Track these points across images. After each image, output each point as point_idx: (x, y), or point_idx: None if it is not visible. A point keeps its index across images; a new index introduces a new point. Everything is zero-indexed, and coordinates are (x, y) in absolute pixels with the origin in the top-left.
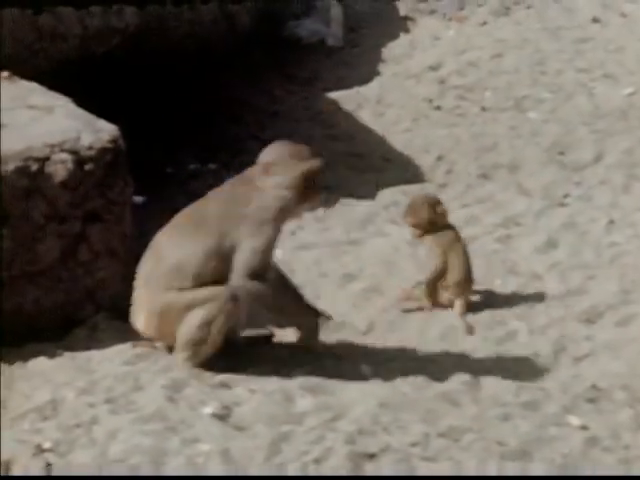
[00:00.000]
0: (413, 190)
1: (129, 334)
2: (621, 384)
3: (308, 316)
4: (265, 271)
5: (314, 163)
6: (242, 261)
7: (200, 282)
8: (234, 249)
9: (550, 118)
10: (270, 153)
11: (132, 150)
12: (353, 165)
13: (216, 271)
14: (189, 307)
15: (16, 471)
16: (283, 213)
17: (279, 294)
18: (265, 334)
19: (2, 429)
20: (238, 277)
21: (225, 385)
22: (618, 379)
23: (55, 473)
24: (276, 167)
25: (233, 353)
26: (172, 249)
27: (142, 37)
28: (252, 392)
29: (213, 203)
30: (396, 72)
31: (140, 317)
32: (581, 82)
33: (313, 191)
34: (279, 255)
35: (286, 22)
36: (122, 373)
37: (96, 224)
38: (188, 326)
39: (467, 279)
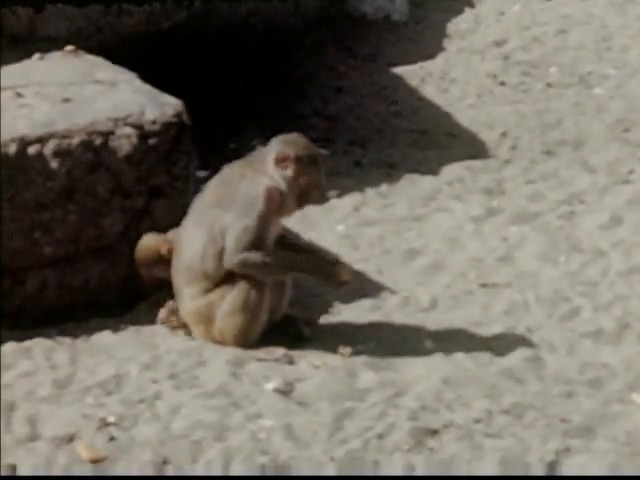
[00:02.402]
0: (477, 166)
1: None
2: None
3: (319, 268)
4: (258, 247)
5: (323, 183)
6: (233, 238)
7: (211, 278)
8: (226, 231)
9: (615, 94)
10: (291, 146)
11: (196, 126)
12: (417, 141)
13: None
14: (212, 306)
15: (80, 445)
16: (277, 205)
17: (281, 259)
18: (306, 317)
19: (66, 403)
20: (230, 254)
21: (288, 361)
22: None
23: (118, 447)
24: (292, 165)
25: (294, 330)
26: (183, 245)
27: (208, 14)
28: (315, 368)
29: (213, 187)
30: (461, 47)
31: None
32: None
33: (306, 199)
34: (342, 231)
35: None
36: (185, 348)
37: (160, 199)
38: (225, 318)
39: None
